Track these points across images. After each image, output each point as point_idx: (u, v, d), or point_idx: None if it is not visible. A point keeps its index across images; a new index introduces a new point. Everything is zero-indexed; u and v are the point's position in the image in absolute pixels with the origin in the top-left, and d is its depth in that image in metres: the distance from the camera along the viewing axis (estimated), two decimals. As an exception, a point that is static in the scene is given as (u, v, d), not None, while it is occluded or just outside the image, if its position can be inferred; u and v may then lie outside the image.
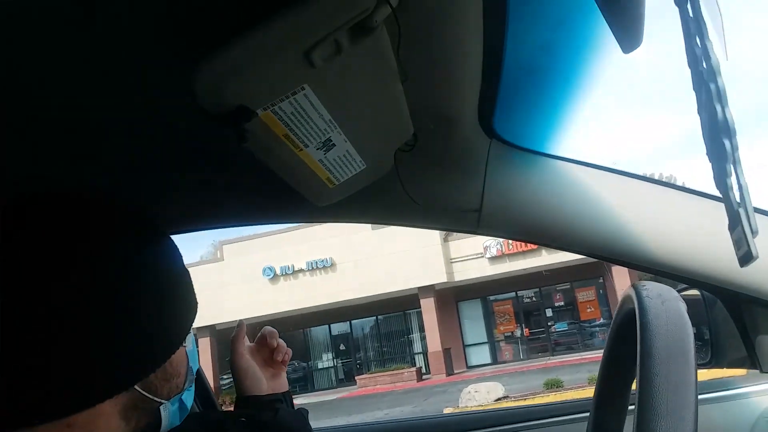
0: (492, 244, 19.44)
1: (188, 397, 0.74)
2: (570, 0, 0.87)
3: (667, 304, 0.60)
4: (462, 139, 1.03)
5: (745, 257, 0.33)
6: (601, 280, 20.76)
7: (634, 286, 0.72)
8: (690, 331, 0.60)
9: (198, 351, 0.81)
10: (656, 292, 0.63)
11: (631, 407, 0.91)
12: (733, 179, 0.33)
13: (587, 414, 0.99)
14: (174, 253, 0.74)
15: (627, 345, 0.83)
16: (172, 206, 1.19)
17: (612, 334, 0.84)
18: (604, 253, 1.11)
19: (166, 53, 0.71)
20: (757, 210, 1.06)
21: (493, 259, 19.65)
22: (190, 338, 0.74)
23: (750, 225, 0.32)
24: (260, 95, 0.66)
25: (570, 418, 1.26)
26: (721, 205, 1.01)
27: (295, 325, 22.58)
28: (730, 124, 0.30)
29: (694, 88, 0.35)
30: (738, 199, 0.33)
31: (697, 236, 1.06)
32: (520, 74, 0.98)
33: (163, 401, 0.67)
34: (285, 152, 0.79)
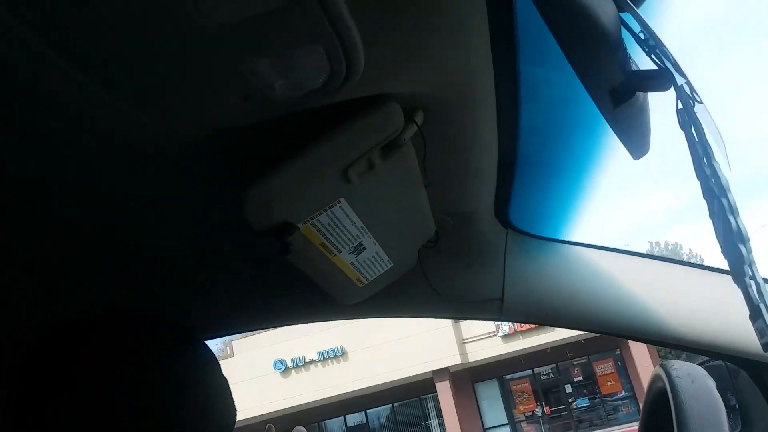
0: (504, 322, 19.22)
1: None
2: (578, 100, 0.95)
3: (697, 383, 0.64)
4: (480, 233, 1.09)
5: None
6: (618, 352, 20.38)
7: (663, 366, 0.76)
8: (721, 405, 0.63)
9: None
10: (685, 371, 0.67)
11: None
12: (750, 278, 0.38)
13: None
14: (213, 361, 0.78)
15: (660, 422, 0.86)
16: (204, 314, 1.24)
17: (645, 414, 0.87)
18: (623, 331, 1.15)
19: (210, 178, 0.78)
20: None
21: (506, 336, 19.38)
22: None
23: (769, 318, 0.36)
24: (302, 211, 0.73)
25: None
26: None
27: (309, 419, 22.00)
28: (743, 233, 0.36)
29: (705, 197, 0.40)
30: (757, 295, 0.37)
31: (712, 309, 1.10)
32: (532, 168, 1.05)
33: None
34: (320, 259, 0.85)
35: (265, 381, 19.58)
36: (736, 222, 0.36)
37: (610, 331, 1.15)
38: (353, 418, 22.55)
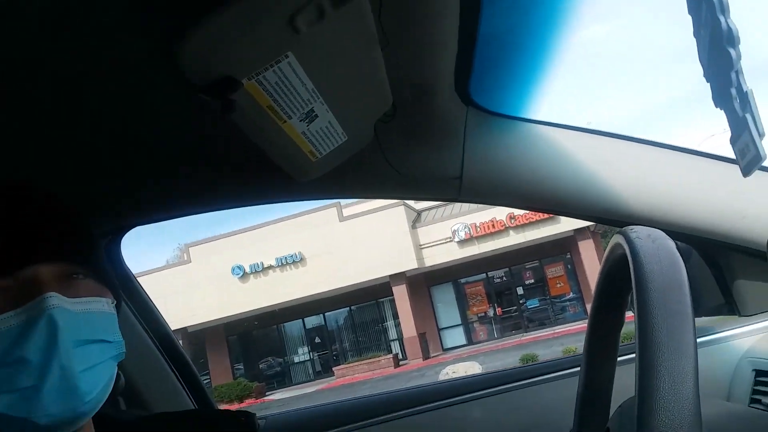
0: (460, 227, 19.57)
1: None
2: None
3: (657, 242, 0.62)
4: (439, 108, 1.04)
5: (752, 162, 0.35)
6: (568, 256, 21.08)
7: (621, 231, 0.74)
8: (682, 265, 0.62)
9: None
10: (645, 233, 0.65)
11: (620, 358, 0.95)
12: (735, 88, 0.34)
13: (577, 369, 1.01)
14: None
15: (616, 292, 0.86)
16: (159, 192, 1.18)
17: (601, 283, 0.86)
18: (580, 210, 1.13)
19: (151, 25, 0.70)
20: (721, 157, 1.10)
21: (462, 242, 19.78)
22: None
23: (757, 127, 0.33)
24: (245, 64, 0.66)
25: (560, 374, 1.28)
26: (694, 157, 1.04)
27: (268, 322, 22.46)
28: (734, 33, 0.32)
29: (690, 10, 0.36)
30: (740, 106, 0.34)
31: (669, 187, 1.09)
32: (494, 40, 0.99)
33: None
34: (269, 124, 0.79)
35: (224, 286, 19.73)
36: (726, 22, 0.32)
37: (568, 212, 1.14)
38: (311, 321, 23.11)
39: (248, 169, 1.09)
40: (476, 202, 1.18)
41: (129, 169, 1.08)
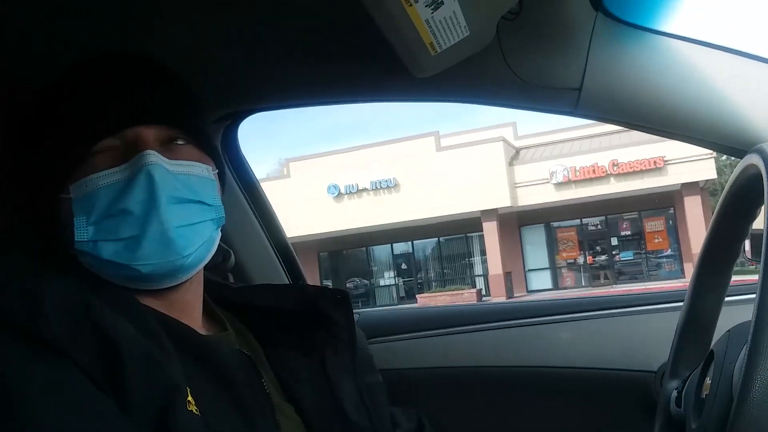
0: (559, 169, 19.04)
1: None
2: None
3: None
4: (567, 10, 0.99)
5: None
6: (671, 211, 20.14)
7: (757, 148, 0.68)
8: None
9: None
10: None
11: (728, 298, 0.90)
12: None
13: (678, 304, 0.97)
14: None
15: (741, 217, 0.81)
16: (265, 81, 1.21)
17: (723, 208, 0.81)
18: (706, 134, 1.06)
19: None
20: None
21: (559, 185, 19.27)
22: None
23: None
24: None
25: (658, 307, 1.25)
26: None
27: (358, 243, 23.01)
28: None
29: None
30: None
31: None
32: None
33: None
34: (394, 5, 0.78)
35: (319, 204, 20.27)
36: None
37: (692, 135, 1.07)
38: (399, 247, 23.48)
39: (364, 62, 1.08)
40: (591, 118, 1.13)
41: (249, 55, 1.11)
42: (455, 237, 22.55)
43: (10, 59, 0.96)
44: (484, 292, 20.76)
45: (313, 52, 1.10)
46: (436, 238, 22.85)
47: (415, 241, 23.06)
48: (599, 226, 21.62)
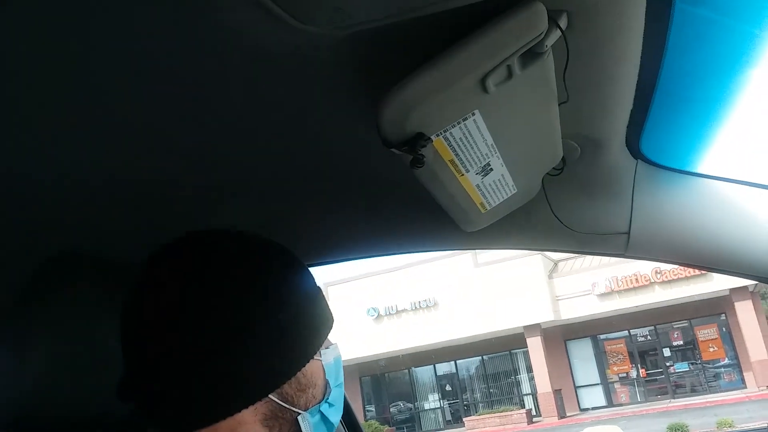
0: (600, 280, 18.70)
1: (332, 413, 0.78)
2: (732, 30, 0.87)
3: None
4: (608, 162, 1.03)
5: None
6: (723, 317, 19.41)
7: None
8: None
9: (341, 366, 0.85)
10: None
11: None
12: None
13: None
14: (307, 275, 0.79)
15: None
16: (316, 239, 1.26)
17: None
18: (756, 270, 1.07)
19: (345, 93, 0.77)
20: None
21: (602, 296, 18.85)
22: (330, 352, 0.79)
23: None
24: (437, 122, 0.71)
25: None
26: None
27: (400, 365, 22.53)
28: None
29: None
30: None
31: None
32: (668, 95, 0.98)
33: (300, 411, 0.72)
34: (448, 177, 0.83)
35: (359, 327, 20.12)
36: None
37: (743, 271, 1.08)
38: (443, 368, 22.88)
39: (419, 219, 1.13)
40: (643, 259, 1.14)
41: (319, 213, 1.16)
42: (499, 354, 21.95)
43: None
44: (534, 413, 19.86)
45: (373, 213, 1.15)
46: (480, 357, 22.26)
47: (458, 360, 22.49)
48: (649, 337, 20.85)
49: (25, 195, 0.88)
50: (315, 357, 0.74)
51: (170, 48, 0.64)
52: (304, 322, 0.74)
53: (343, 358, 0.85)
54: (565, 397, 19.78)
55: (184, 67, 0.67)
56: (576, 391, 20.63)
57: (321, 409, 0.76)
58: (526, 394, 21.41)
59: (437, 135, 0.73)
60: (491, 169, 0.86)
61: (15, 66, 0.62)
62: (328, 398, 0.77)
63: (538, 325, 19.16)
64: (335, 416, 0.78)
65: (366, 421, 20.23)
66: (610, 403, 20.22)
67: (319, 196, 1.09)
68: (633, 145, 1.04)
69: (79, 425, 0.98)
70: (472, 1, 0.61)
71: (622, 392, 20.54)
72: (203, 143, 0.86)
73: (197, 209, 1.04)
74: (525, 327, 19.15)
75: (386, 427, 19.33)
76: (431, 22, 0.64)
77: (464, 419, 20.27)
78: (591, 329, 20.31)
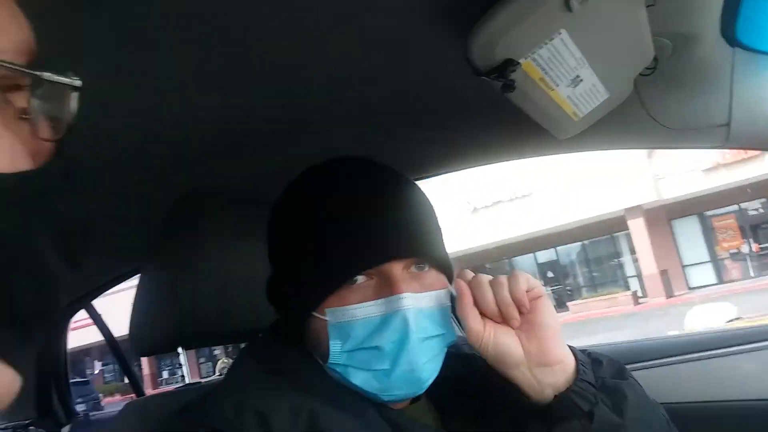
0: (705, 155, 17.70)
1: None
2: None
3: None
4: (703, 55, 1.01)
5: None
6: (843, 184, 18.07)
7: None
8: None
9: None
10: None
11: None
12: None
13: None
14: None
15: None
16: (416, 155, 1.32)
17: None
18: None
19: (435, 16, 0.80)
20: None
21: (707, 170, 17.90)
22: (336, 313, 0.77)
23: None
24: (524, 46, 0.73)
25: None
26: None
27: (499, 256, 22.72)
28: None
29: None
30: None
31: None
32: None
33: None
34: (538, 95, 0.86)
35: (456, 220, 20.27)
36: None
37: None
38: (543, 255, 22.90)
39: (510, 128, 1.16)
40: (746, 149, 1.13)
41: (417, 127, 1.22)
42: (600, 239, 21.64)
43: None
44: (639, 294, 19.70)
45: (468, 124, 1.19)
46: (581, 242, 22.05)
47: (558, 248, 22.40)
48: (761, 210, 19.84)
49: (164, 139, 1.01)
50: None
51: None
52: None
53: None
54: (672, 277, 19.39)
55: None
56: (684, 270, 20.17)
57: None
58: (631, 276, 21.16)
59: (525, 58, 0.75)
60: (581, 80, 0.88)
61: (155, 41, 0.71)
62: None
63: (639, 206, 18.61)
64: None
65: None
66: (721, 281, 19.69)
67: (424, 118, 1.14)
68: (729, 33, 1.00)
69: (226, 339, 1.13)
70: None
71: (733, 268, 19.90)
72: (325, 76, 0.93)
73: (319, 138, 1.13)
74: (626, 210, 18.66)
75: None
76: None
77: (568, 304, 20.40)
78: (697, 206, 19.52)
